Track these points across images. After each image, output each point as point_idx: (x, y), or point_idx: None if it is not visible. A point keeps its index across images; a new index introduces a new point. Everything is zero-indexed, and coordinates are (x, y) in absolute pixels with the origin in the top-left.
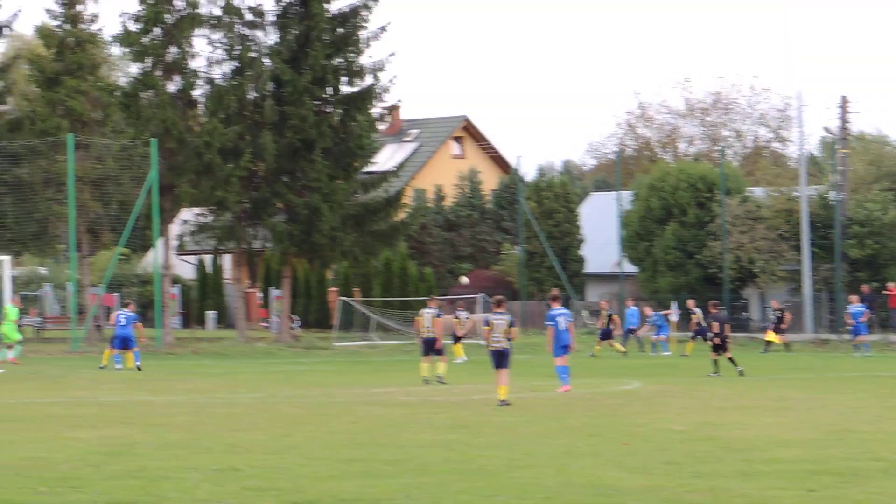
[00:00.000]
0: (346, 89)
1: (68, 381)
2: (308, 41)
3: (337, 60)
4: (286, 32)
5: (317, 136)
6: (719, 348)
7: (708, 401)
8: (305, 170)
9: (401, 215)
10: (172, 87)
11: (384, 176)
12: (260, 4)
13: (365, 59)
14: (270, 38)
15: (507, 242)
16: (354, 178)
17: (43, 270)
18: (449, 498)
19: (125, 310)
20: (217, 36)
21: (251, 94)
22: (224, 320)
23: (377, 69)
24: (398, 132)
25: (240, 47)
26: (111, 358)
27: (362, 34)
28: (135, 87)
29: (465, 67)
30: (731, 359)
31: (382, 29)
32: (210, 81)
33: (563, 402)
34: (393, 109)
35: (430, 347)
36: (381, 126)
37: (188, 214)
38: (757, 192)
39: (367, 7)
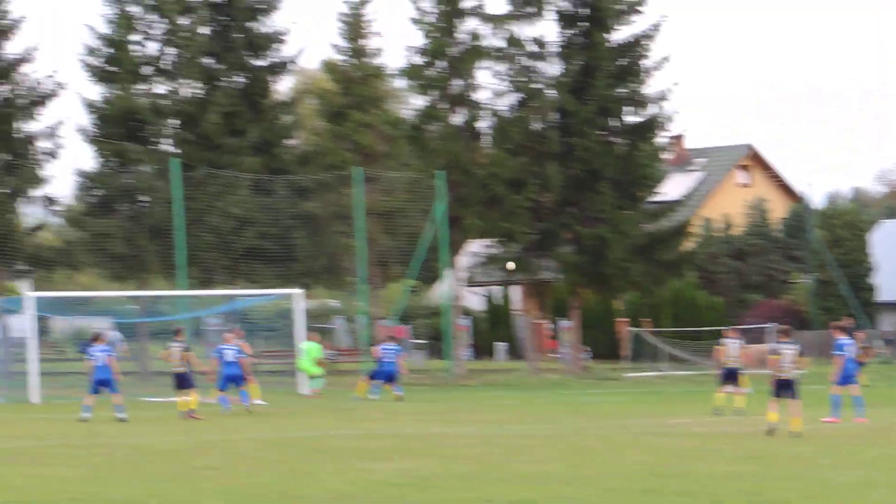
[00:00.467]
0: (630, 119)
1: (361, 412)
2: (591, 71)
3: (620, 90)
4: (569, 63)
5: (602, 166)
6: None
7: None
8: (592, 200)
9: (689, 245)
10: (458, 119)
11: (671, 205)
12: (542, 36)
13: (648, 89)
14: (553, 68)
15: (797, 271)
16: (641, 207)
17: (334, 303)
18: None
19: (388, 343)
20: (501, 68)
21: (536, 125)
22: (513, 351)
23: (660, 98)
24: (684, 162)
25: (524, 79)
26: (369, 390)
27: (644, 63)
28: (421, 120)
29: (746, 95)
30: None
31: (665, 59)
32: (494, 113)
33: (859, 433)
34: (677, 139)
35: (731, 377)
36: (666, 155)
37: (476, 246)
38: None
39: (648, 37)
